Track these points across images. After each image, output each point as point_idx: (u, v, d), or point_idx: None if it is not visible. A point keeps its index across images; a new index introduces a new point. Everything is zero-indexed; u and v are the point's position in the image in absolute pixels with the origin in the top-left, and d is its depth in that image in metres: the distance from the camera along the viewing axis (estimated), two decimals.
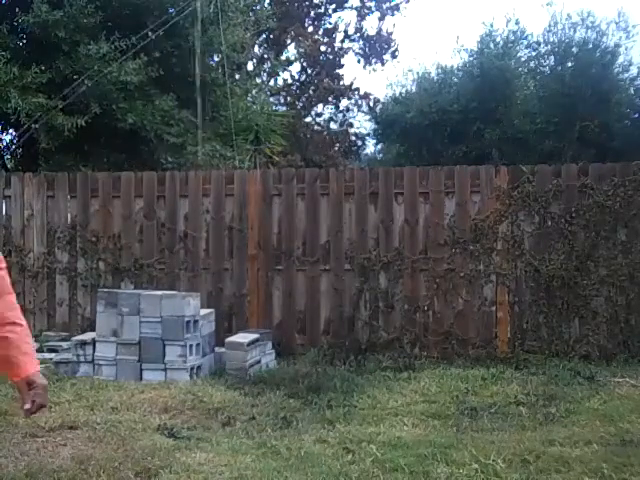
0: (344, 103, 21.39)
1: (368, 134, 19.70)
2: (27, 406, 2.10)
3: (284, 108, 19.00)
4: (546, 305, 6.86)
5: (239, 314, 7.34)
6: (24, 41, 9.88)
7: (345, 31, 21.44)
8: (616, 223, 6.82)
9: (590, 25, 13.95)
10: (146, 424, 4.65)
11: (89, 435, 4.40)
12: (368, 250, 7.14)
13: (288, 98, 20.49)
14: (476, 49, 14.66)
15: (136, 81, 9.25)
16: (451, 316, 6.98)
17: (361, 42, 21.57)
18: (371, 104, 20.08)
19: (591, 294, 6.79)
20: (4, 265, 2.21)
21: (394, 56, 21.47)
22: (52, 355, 6.61)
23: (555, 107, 13.02)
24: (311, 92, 20.76)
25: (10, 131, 10.88)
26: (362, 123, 22.01)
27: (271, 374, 6.21)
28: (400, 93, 15.68)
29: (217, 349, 6.70)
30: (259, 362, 6.43)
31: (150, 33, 9.45)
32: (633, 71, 14.26)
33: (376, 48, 21.37)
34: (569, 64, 13.77)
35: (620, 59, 14.05)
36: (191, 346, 6.19)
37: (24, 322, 2.19)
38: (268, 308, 7.31)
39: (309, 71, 21.04)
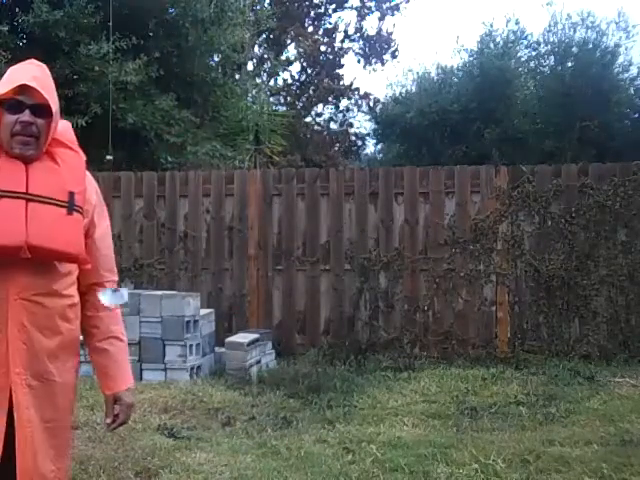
0: (344, 103, 21.38)
1: (368, 134, 19.72)
2: (108, 420, 2.17)
3: (284, 108, 18.98)
4: (546, 305, 6.86)
5: (239, 314, 7.34)
6: (24, 41, 9.87)
7: (345, 31, 21.44)
8: (616, 223, 6.83)
9: (590, 25, 13.98)
10: (146, 424, 4.66)
11: (89, 435, 4.41)
12: (368, 250, 7.14)
13: (288, 98, 20.48)
14: (476, 49, 14.69)
15: (136, 81, 9.24)
16: (451, 316, 6.98)
17: (361, 42, 21.55)
18: (371, 104, 20.07)
19: (591, 294, 6.80)
20: (116, 278, 2.24)
21: (394, 56, 21.46)
22: None
23: (555, 107, 13.03)
24: (311, 92, 20.75)
25: None
26: (362, 123, 22.04)
27: (271, 374, 6.21)
28: (400, 93, 15.71)
29: (217, 349, 6.70)
30: (259, 362, 6.43)
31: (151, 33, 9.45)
32: (633, 71, 14.28)
33: (376, 48, 21.35)
34: (569, 64, 13.78)
35: (620, 59, 14.08)
36: (191, 346, 6.19)
37: (125, 338, 2.23)
38: (268, 308, 7.31)
39: (309, 71, 21.03)
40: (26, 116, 1.99)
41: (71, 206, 2.01)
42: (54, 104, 2.04)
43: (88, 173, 2.17)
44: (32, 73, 2.05)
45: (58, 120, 2.09)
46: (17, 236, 1.91)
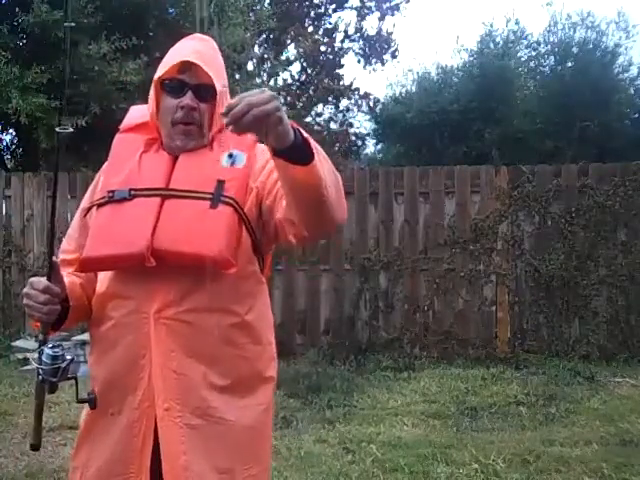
0: (344, 103, 21.36)
1: (368, 134, 19.70)
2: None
3: (284, 108, 18.96)
4: (546, 305, 6.86)
5: None
6: (24, 41, 9.88)
7: (345, 31, 21.43)
8: (616, 223, 6.83)
9: (590, 25, 13.96)
10: None
11: None
12: (368, 250, 7.14)
13: (288, 98, 20.47)
14: (476, 49, 14.68)
15: (136, 81, 9.24)
16: (451, 316, 6.98)
17: (361, 42, 21.55)
18: (371, 104, 20.06)
19: (591, 294, 6.80)
20: None
21: (394, 56, 21.45)
22: None
23: (555, 107, 13.01)
24: (311, 92, 20.75)
25: (10, 131, 10.87)
26: (362, 123, 22.02)
27: None
28: (400, 93, 15.68)
29: None
30: None
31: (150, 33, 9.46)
32: (633, 71, 14.26)
33: (376, 48, 21.35)
34: (569, 64, 13.77)
35: (620, 59, 14.06)
36: None
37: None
38: None
39: (309, 71, 21.04)
40: (188, 99, 1.67)
41: (217, 198, 1.60)
42: (220, 84, 1.69)
43: (262, 148, 1.67)
44: (194, 47, 1.73)
45: (225, 101, 1.68)
46: (139, 242, 1.59)
